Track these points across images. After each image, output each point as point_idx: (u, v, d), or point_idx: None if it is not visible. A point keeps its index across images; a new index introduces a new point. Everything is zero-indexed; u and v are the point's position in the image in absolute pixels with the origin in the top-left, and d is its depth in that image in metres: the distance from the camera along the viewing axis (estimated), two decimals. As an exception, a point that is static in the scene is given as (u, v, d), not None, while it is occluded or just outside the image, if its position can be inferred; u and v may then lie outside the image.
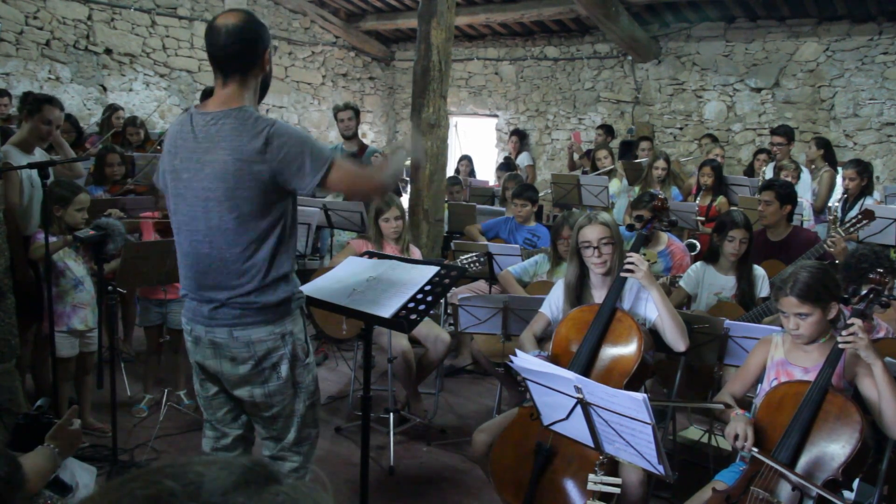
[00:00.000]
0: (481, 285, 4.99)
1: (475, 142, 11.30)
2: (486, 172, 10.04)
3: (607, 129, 9.17)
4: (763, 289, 3.88)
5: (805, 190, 6.10)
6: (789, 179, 5.69)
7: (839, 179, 6.37)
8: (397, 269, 2.62)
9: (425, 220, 5.57)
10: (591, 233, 3.02)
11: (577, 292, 3.13)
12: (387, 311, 2.38)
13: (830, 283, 2.49)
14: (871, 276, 2.59)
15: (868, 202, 5.42)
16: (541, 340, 3.23)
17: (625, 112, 9.77)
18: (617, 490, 2.37)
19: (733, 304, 3.82)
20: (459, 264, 3.98)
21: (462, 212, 6.13)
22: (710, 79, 9.03)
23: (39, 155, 4.00)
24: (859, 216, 4.04)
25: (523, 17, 9.47)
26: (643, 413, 2.03)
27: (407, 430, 4.13)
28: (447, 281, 2.50)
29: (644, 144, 8.12)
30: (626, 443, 2.17)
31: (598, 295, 3.06)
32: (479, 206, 6.32)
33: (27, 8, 8.37)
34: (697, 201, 6.26)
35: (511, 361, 2.42)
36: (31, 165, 3.56)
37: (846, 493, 2.41)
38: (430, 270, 2.53)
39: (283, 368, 2.30)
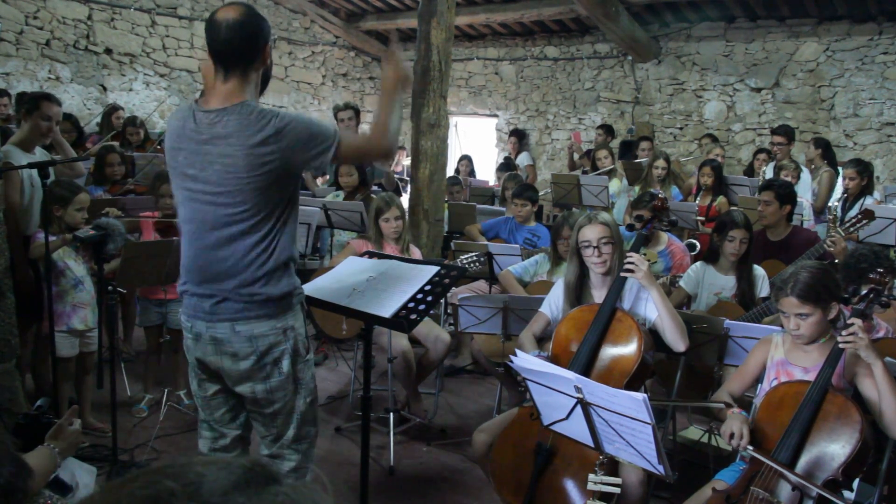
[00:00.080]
0: (481, 285, 4.99)
1: (475, 142, 11.30)
2: (486, 172, 10.04)
3: (607, 129, 9.18)
4: (763, 289, 3.88)
5: (805, 190, 6.10)
6: (789, 179, 5.69)
7: (839, 179, 6.38)
8: (397, 269, 2.62)
9: (425, 220, 5.57)
10: (591, 232, 3.02)
11: (577, 292, 3.13)
12: (387, 311, 2.39)
13: (831, 284, 2.49)
14: (871, 275, 2.59)
15: (868, 202, 5.42)
16: (541, 340, 3.23)
17: (625, 112, 9.77)
18: (617, 490, 2.37)
19: (733, 304, 3.82)
20: (459, 264, 3.98)
21: (462, 212, 6.13)
22: (710, 79, 9.03)
23: (40, 154, 4.01)
24: (859, 216, 4.04)
25: (523, 17, 9.47)
26: (643, 413, 2.03)
27: (407, 430, 4.13)
28: (447, 281, 2.50)
29: (644, 144, 8.12)
30: (626, 443, 2.17)
31: (598, 295, 3.07)
32: (479, 206, 6.31)
33: (27, 8, 8.37)
34: (697, 201, 6.26)
35: (511, 361, 2.42)
36: (31, 165, 3.56)
37: (846, 493, 2.41)
38: (430, 270, 2.53)
39: (285, 364, 2.30)
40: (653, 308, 2.95)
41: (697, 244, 5.13)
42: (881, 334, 3.08)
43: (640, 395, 2.02)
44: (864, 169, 5.68)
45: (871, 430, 2.34)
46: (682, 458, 3.74)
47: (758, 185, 5.89)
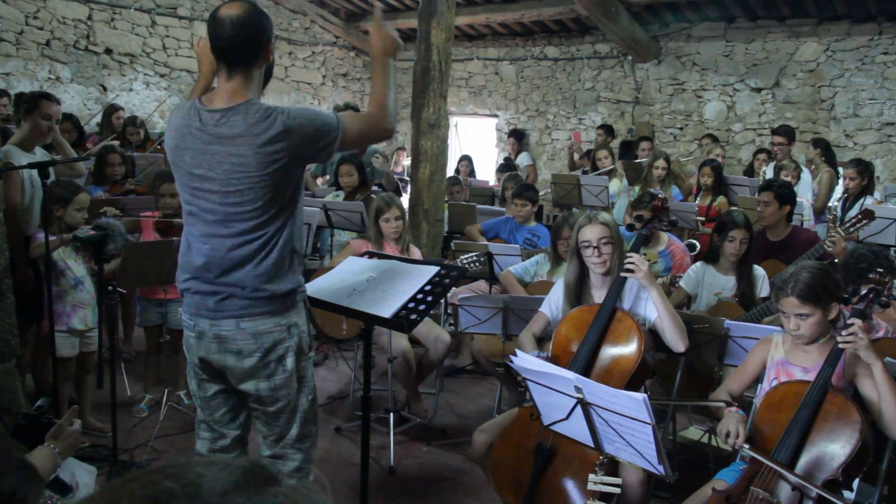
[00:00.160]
0: (481, 285, 4.99)
1: (475, 142, 11.30)
2: (486, 172, 10.04)
3: (607, 129, 9.18)
4: (763, 289, 3.88)
5: (805, 190, 6.10)
6: (790, 179, 5.70)
7: (840, 179, 6.38)
8: (397, 270, 2.62)
9: (425, 220, 5.57)
10: (591, 233, 3.02)
11: (577, 292, 3.13)
12: (387, 311, 2.39)
13: (831, 284, 2.49)
14: (871, 275, 2.59)
15: (868, 202, 5.41)
16: (540, 340, 3.23)
17: (625, 112, 9.77)
18: (617, 490, 2.37)
19: (733, 304, 3.82)
20: (459, 264, 3.98)
21: (462, 212, 6.13)
22: (710, 79, 9.03)
23: (40, 155, 4.01)
24: (859, 216, 4.04)
25: (523, 17, 9.47)
26: (643, 413, 2.03)
27: (407, 430, 4.14)
28: (447, 281, 2.50)
29: (644, 144, 8.12)
30: (626, 443, 2.17)
31: (598, 295, 3.07)
32: (479, 206, 6.32)
33: (27, 8, 8.37)
34: (697, 201, 6.26)
35: (511, 361, 2.42)
36: (31, 165, 3.56)
37: (846, 493, 2.41)
38: (430, 270, 2.53)
39: (289, 361, 2.30)
40: (653, 308, 2.95)
41: (697, 244, 5.13)
42: (881, 334, 3.08)
43: (640, 396, 2.02)
44: (864, 169, 5.68)
45: (871, 431, 2.34)
46: (682, 458, 3.74)
47: (758, 185, 5.90)
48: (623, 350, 2.77)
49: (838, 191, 6.36)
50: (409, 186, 6.21)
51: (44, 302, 3.62)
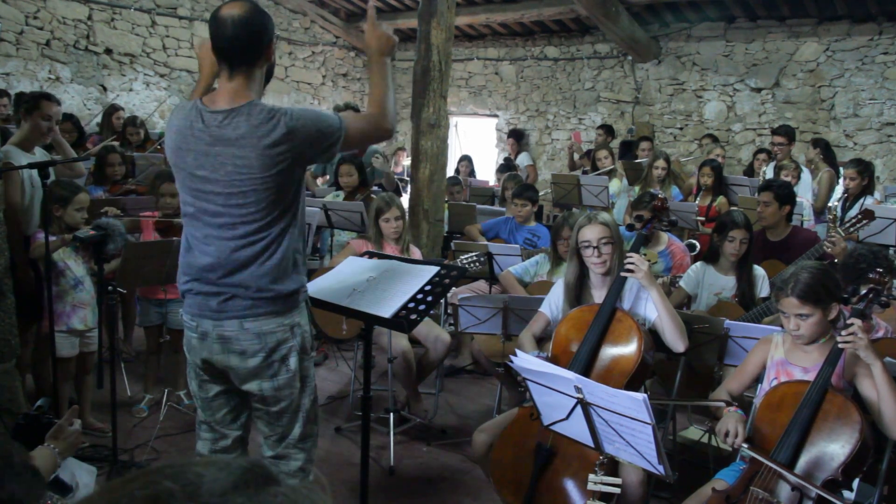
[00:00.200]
0: (481, 285, 4.99)
1: (475, 142, 11.30)
2: (486, 172, 10.04)
3: (607, 129, 9.18)
4: (763, 289, 3.87)
5: (806, 190, 6.10)
6: (790, 179, 5.70)
7: (840, 179, 6.38)
8: (397, 270, 2.62)
9: (425, 220, 5.57)
10: (591, 233, 3.02)
11: (577, 292, 3.13)
12: (387, 311, 2.39)
13: (831, 284, 2.49)
14: (871, 275, 2.59)
15: (868, 202, 5.41)
16: (540, 340, 3.23)
17: (625, 112, 9.77)
18: (617, 490, 2.37)
19: (733, 304, 3.82)
20: (459, 264, 3.98)
21: (462, 212, 6.13)
22: (710, 79, 9.03)
23: (40, 154, 4.01)
24: (859, 216, 4.04)
25: (523, 17, 9.47)
26: (643, 413, 2.03)
27: (407, 430, 4.14)
28: (447, 281, 2.50)
29: (644, 144, 8.12)
30: (626, 443, 2.17)
31: (598, 295, 3.07)
32: (479, 206, 6.31)
33: (27, 8, 8.37)
34: (697, 201, 6.26)
35: (511, 361, 2.42)
36: (31, 165, 3.56)
37: (846, 493, 2.41)
38: (430, 270, 2.53)
39: (293, 361, 2.30)
40: (652, 308, 2.95)
41: (697, 244, 5.13)
42: (880, 334, 3.08)
43: (639, 395, 2.02)
44: (864, 169, 5.67)
45: (871, 431, 2.34)
46: (682, 458, 3.74)
47: (758, 185, 5.90)
48: (623, 350, 2.77)
49: (838, 191, 6.35)
50: (409, 186, 6.21)
51: (44, 302, 3.62)
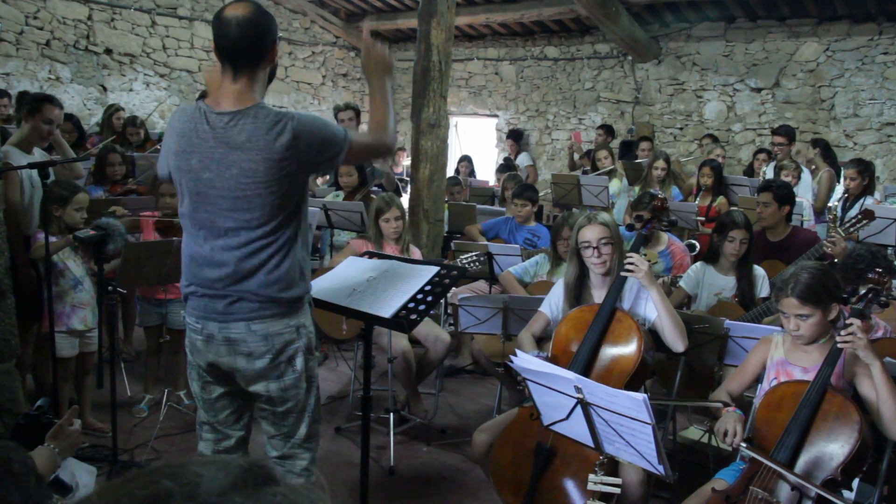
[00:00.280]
0: (481, 285, 4.99)
1: (475, 142, 11.30)
2: (486, 172, 10.04)
3: (607, 129, 9.18)
4: (763, 289, 3.87)
5: (806, 190, 6.11)
6: (790, 180, 5.70)
7: (841, 179, 6.38)
8: (397, 270, 2.62)
9: (425, 220, 5.57)
10: (591, 233, 3.02)
11: (577, 292, 3.13)
12: (387, 311, 2.39)
13: (831, 285, 2.49)
14: (870, 275, 2.59)
15: (868, 202, 5.41)
16: (540, 340, 3.23)
17: (625, 112, 9.77)
18: (617, 490, 2.37)
19: (733, 304, 3.82)
20: (459, 264, 3.98)
21: (462, 212, 6.13)
22: (710, 79, 9.03)
23: (39, 154, 4.00)
24: (859, 216, 4.04)
25: (523, 17, 9.47)
26: (643, 413, 2.03)
27: (407, 430, 4.14)
28: (447, 281, 2.50)
29: (644, 144, 8.12)
30: (626, 443, 2.17)
31: (598, 295, 3.07)
32: (479, 206, 6.32)
33: (27, 8, 8.37)
34: (697, 201, 6.26)
35: (511, 361, 2.42)
36: (31, 165, 3.56)
37: (845, 493, 2.41)
38: (430, 270, 2.53)
39: (299, 361, 2.30)
40: (652, 308, 2.95)
41: (697, 244, 5.13)
42: (879, 334, 3.08)
43: (639, 396, 2.02)
44: (864, 169, 5.67)
45: (871, 431, 2.34)
46: (682, 458, 3.74)
47: (758, 185, 5.90)
48: (623, 350, 2.77)
49: (839, 191, 6.35)
50: (409, 186, 6.21)
51: (44, 302, 3.63)
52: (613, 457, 2.34)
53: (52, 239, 3.50)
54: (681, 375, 3.33)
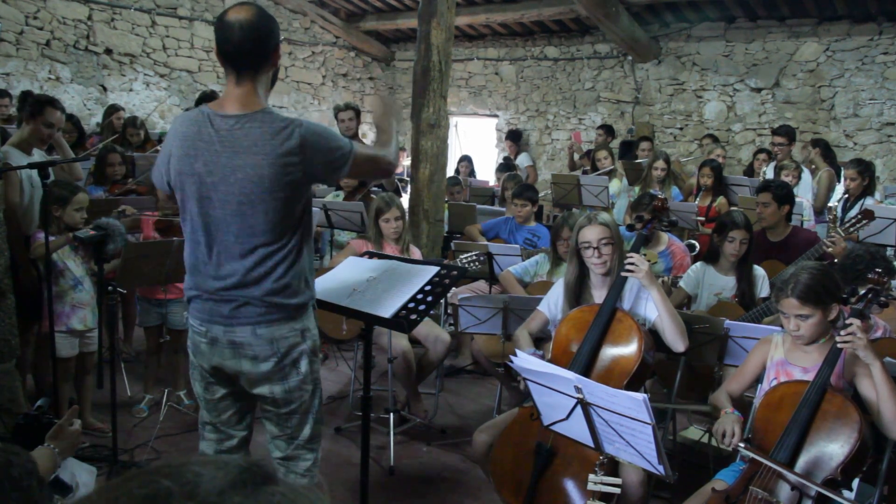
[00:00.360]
0: (481, 285, 4.99)
1: (475, 142, 11.30)
2: (486, 172, 10.04)
3: (607, 129, 9.18)
4: (763, 289, 3.87)
5: (806, 190, 6.10)
6: (790, 180, 5.69)
7: (841, 179, 6.38)
8: (397, 270, 2.62)
9: (425, 220, 5.57)
10: (591, 233, 3.02)
11: (577, 292, 3.13)
12: (387, 311, 2.39)
13: (831, 285, 2.49)
14: (870, 276, 2.59)
15: (868, 202, 5.41)
16: (539, 340, 3.23)
17: (625, 112, 9.77)
18: (617, 490, 2.37)
19: (733, 304, 3.82)
20: (459, 264, 3.98)
21: (462, 212, 6.13)
22: (710, 79, 9.03)
23: (38, 155, 4.01)
24: (859, 216, 4.04)
25: (523, 17, 9.47)
26: (643, 413, 2.03)
27: (407, 430, 4.14)
28: (447, 281, 2.50)
29: (644, 144, 8.12)
30: (626, 443, 2.17)
31: (598, 295, 3.07)
32: (479, 206, 6.32)
33: (27, 8, 8.37)
34: (697, 202, 6.26)
35: (511, 361, 2.42)
36: (31, 165, 3.56)
37: (845, 493, 2.41)
38: (430, 270, 2.53)
39: (304, 364, 2.30)
40: (653, 308, 2.95)
41: (697, 245, 5.13)
42: (879, 334, 3.08)
43: (640, 396, 2.02)
44: (865, 169, 5.67)
45: (871, 431, 2.34)
46: (682, 458, 3.74)
47: (758, 185, 5.90)
48: (623, 350, 2.77)
49: (839, 191, 6.35)
50: (409, 186, 6.21)
51: (43, 302, 3.63)
52: (613, 457, 2.34)
53: (54, 238, 3.50)
54: (681, 375, 3.33)
